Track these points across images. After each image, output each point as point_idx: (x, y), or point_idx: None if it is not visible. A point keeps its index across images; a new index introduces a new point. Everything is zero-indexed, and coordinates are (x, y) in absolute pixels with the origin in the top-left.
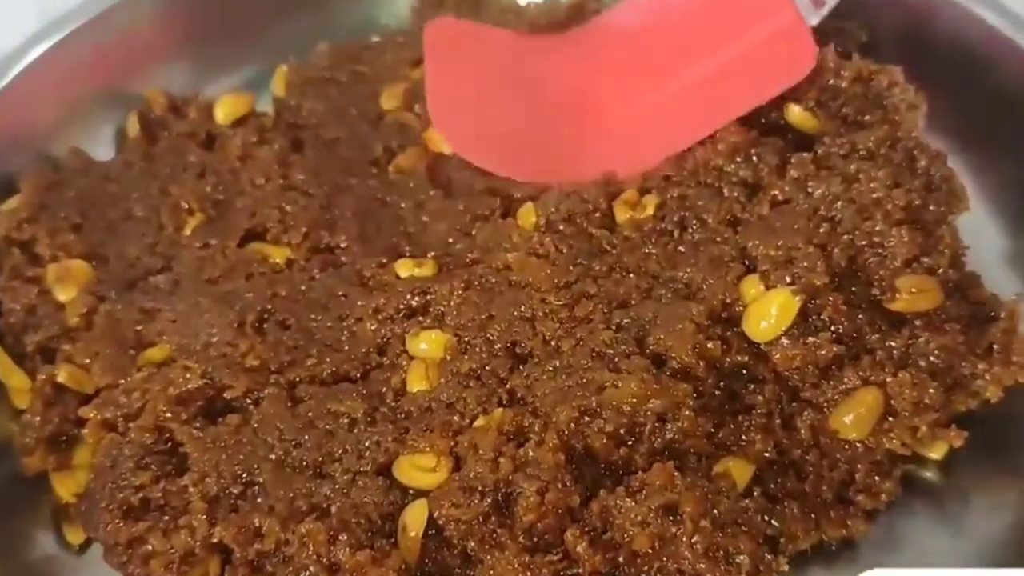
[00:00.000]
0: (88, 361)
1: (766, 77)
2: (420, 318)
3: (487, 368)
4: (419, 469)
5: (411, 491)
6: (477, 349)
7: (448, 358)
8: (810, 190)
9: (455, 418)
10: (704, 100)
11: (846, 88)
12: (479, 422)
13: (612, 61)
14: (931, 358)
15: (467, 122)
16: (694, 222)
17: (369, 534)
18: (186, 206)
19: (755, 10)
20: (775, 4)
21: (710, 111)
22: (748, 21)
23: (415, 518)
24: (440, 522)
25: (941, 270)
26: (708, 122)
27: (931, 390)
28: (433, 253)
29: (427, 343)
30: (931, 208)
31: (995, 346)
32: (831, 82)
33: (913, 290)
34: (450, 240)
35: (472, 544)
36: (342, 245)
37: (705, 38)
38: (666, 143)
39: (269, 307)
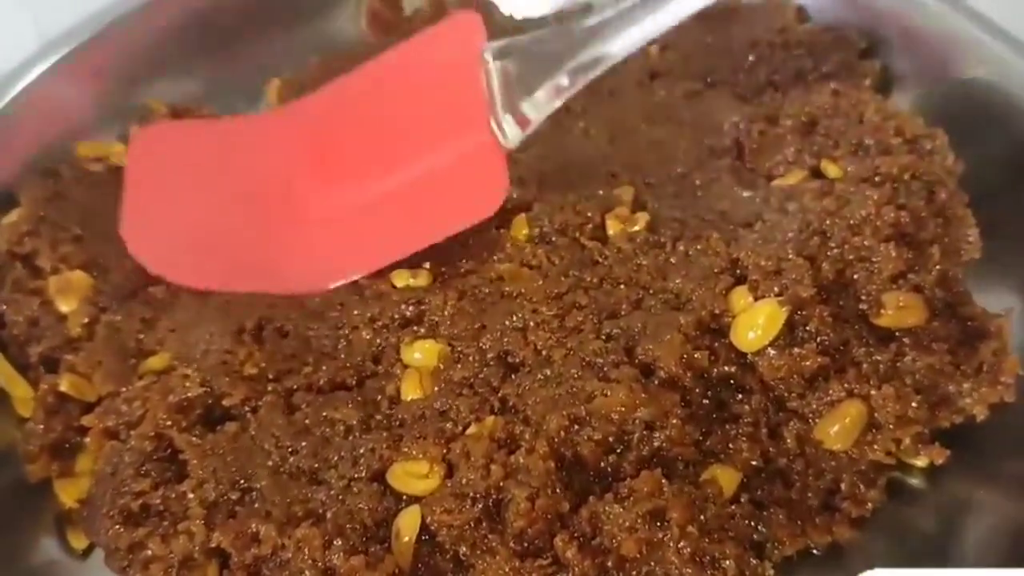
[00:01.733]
0: (90, 370)
1: (459, 202)
2: (415, 327)
3: (479, 377)
4: (412, 476)
5: (404, 497)
6: (470, 358)
7: (441, 367)
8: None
9: (448, 426)
10: (402, 214)
11: (885, 142)
12: (471, 430)
13: (317, 148)
14: (916, 376)
15: (164, 237)
16: (688, 233)
17: (363, 539)
18: None
19: (453, 124)
20: (472, 123)
21: (406, 229)
22: (446, 133)
23: (408, 523)
24: (432, 527)
25: (927, 288)
26: (402, 242)
27: (914, 404)
28: (428, 263)
29: (421, 352)
30: (926, 229)
31: (985, 365)
32: (867, 141)
33: (899, 305)
34: (446, 250)
35: (464, 549)
36: None
37: (409, 141)
38: (362, 258)
39: (267, 316)
